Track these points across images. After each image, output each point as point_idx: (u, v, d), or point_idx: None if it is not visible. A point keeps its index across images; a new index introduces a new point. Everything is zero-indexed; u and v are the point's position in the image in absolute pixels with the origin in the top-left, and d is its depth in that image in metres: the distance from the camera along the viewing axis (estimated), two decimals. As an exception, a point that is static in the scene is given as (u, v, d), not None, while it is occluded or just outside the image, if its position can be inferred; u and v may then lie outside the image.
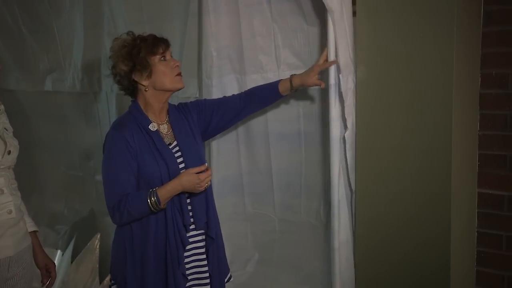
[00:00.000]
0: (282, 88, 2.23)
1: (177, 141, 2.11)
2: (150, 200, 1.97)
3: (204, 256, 2.13)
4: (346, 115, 2.12)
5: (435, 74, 1.92)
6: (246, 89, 2.35)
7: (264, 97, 2.29)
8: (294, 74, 2.22)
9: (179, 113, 2.19)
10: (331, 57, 2.10)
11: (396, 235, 2.07)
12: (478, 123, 2.09)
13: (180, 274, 2.04)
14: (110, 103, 3.07)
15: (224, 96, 2.35)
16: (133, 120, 2.07)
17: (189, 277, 2.10)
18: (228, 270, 2.26)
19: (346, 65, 2.10)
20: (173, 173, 2.03)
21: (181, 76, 2.10)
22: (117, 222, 2.06)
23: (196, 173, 1.99)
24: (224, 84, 2.45)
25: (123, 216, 2.00)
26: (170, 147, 2.10)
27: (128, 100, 2.91)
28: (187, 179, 1.99)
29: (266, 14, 2.34)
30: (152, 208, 1.98)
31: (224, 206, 2.52)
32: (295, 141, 2.42)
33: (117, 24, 2.86)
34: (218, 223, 2.20)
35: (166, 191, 1.99)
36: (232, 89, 2.44)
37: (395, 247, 2.08)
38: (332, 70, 2.10)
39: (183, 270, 2.06)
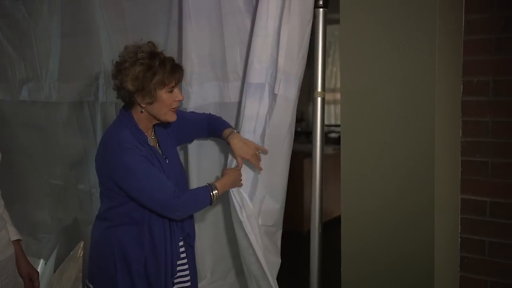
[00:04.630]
0: (224, 136, 2.27)
1: (164, 155, 2.15)
2: (212, 193, 2.06)
3: (185, 261, 2.18)
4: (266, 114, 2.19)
5: (418, 83, 1.94)
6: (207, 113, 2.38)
7: (211, 131, 2.35)
8: (237, 132, 2.24)
9: (163, 127, 2.20)
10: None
11: (381, 242, 2.09)
12: (461, 130, 2.12)
13: (171, 282, 2.09)
14: (93, 113, 3.04)
15: (192, 112, 2.39)
16: (130, 135, 2.04)
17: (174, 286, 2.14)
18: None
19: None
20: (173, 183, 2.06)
21: (176, 109, 2.09)
22: (182, 209, 2.04)
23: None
24: (205, 91, 2.44)
25: (190, 203, 2.05)
26: None
27: (112, 109, 2.87)
28: (235, 175, 2.18)
29: (246, 22, 2.34)
30: (212, 201, 2.07)
31: (205, 215, 2.52)
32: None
33: (99, 32, 2.84)
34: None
35: (222, 186, 2.11)
36: (214, 96, 2.44)
37: (379, 253, 2.10)
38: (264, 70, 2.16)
39: (173, 279, 2.11)
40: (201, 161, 2.50)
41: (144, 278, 2.05)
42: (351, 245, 2.16)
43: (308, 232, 2.29)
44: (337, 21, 2.10)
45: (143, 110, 2.05)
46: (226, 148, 2.34)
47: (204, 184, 2.11)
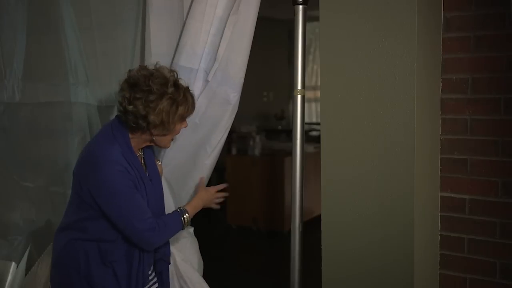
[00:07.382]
0: None
1: (149, 175, 2.09)
2: (183, 218, 2.03)
3: (155, 279, 2.16)
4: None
5: (398, 80, 1.94)
6: None
7: None
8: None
9: (148, 148, 2.16)
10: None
11: (361, 240, 2.08)
12: (440, 127, 2.13)
13: None
14: (64, 114, 2.95)
15: None
16: (120, 154, 1.94)
17: None
18: None
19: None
20: (152, 206, 2.02)
21: None
22: (158, 242, 2.02)
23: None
24: None
25: (165, 235, 2.02)
26: None
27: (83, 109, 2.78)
28: (207, 197, 2.15)
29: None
30: (184, 225, 2.04)
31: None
32: None
33: (66, 29, 2.76)
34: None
35: (193, 209, 2.08)
36: None
37: (359, 252, 2.09)
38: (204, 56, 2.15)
39: None
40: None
41: None
42: (332, 245, 2.15)
43: (289, 231, 2.28)
44: (317, 19, 2.09)
45: (153, 139, 1.99)
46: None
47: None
